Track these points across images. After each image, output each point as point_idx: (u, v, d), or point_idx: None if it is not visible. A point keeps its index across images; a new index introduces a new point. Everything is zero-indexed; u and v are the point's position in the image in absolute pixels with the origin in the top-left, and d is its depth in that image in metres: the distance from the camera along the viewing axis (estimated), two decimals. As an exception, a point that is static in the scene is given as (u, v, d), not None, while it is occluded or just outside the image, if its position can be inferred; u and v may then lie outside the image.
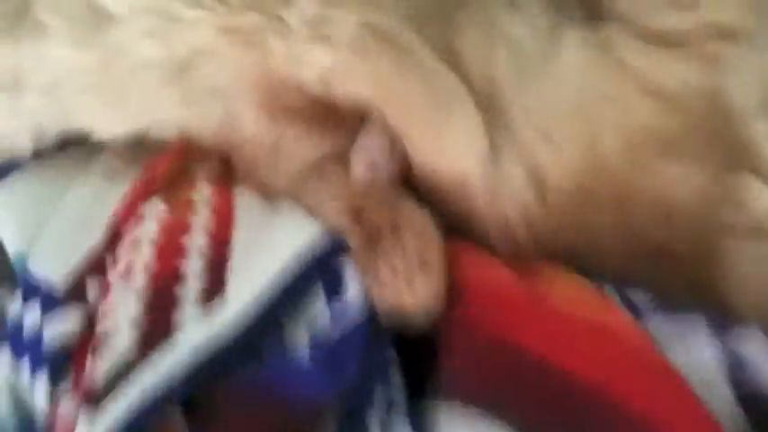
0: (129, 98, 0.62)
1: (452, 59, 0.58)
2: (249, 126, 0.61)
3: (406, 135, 0.57)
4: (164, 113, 0.63)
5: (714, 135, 0.53)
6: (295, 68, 0.58)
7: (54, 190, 0.64)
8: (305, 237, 0.56)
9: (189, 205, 0.62)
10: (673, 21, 0.58)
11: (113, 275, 0.56)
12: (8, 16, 0.61)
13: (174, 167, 0.64)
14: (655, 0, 0.59)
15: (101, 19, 0.60)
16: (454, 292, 0.52)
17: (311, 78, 0.58)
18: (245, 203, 0.62)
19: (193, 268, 0.56)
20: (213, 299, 0.53)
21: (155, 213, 0.60)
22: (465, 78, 0.57)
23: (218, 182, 0.64)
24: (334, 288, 0.54)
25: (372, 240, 0.55)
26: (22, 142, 0.64)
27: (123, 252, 0.57)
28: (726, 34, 0.56)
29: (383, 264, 0.53)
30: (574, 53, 0.58)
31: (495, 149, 0.56)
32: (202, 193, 0.63)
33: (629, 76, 0.57)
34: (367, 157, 0.58)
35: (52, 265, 0.58)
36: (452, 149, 0.57)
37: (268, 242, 0.57)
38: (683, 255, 0.53)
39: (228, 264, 0.56)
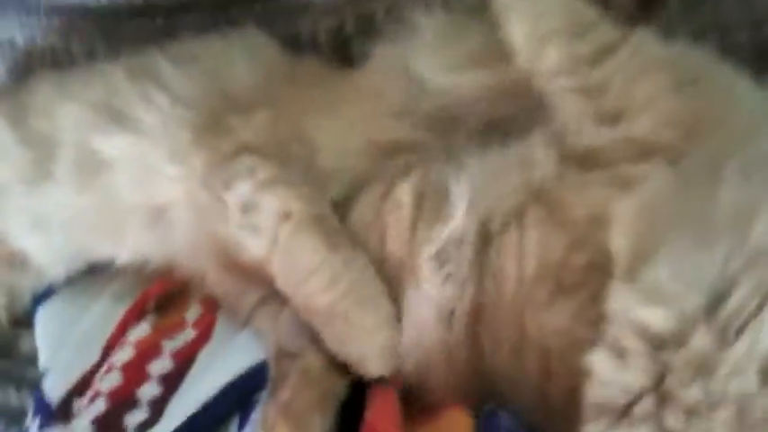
0: (125, 236, 0.71)
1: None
2: (210, 273, 0.68)
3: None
4: (151, 250, 0.71)
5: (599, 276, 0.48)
6: (237, 247, 0.63)
7: (76, 311, 0.74)
8: (237, 370, 0.61)
9: (173, 327, 0.69)
10: (595, 138, 0.54)
11: (83, 401, 0.65)
12: (33, 163, 0.73)
13: (167, 291, 0.72)
14: (583, 115, 0.55)
15: (99, 165, 0.70)
16: None
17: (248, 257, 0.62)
18: (223, 326, 0.69)
19: (148, 395, 0.63)
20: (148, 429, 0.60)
21: (136, 337, 0.68)
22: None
23: (208, 303, 0.71)
24: (243, 422, 0.58)
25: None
26: (56, 271, 0.76)
27: (98, 378, 0.66)
28: (644, 151, 0.51)
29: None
30: None
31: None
32: (193, 313, 0.71)
33: (548, 206, 0.54)
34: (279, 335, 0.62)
35: (55, 385, 0.68)
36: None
37: (213, 369, 0.63)
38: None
39: (179, 387, 0.63)
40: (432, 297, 0.56)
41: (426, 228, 0.57)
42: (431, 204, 0.57)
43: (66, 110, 0.73)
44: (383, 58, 0.69)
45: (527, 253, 0.53)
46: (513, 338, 0.53)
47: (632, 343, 0.41)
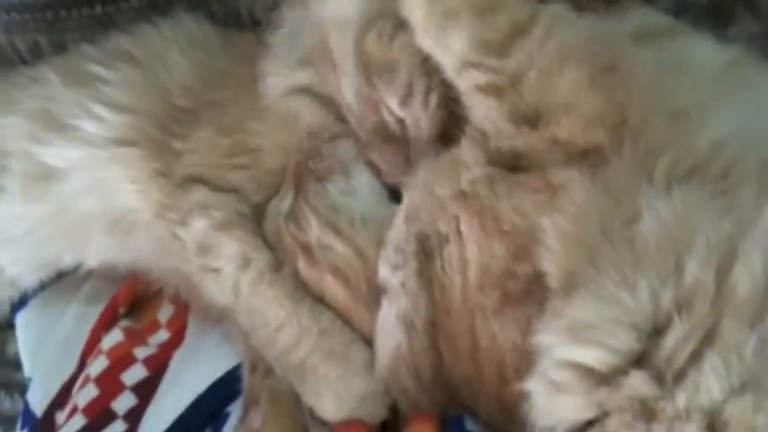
0: (87, 242, 0.70)
1: None
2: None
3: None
4: (116, 255, 0.71)
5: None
6: (198, 287, 0.63)
7: (51, 317, 0.75)
8: (209, 379, 0.63)
9: (146, 330, 0.70)
10: (516, 139, 0.51)
11: (61, 416, 0.66)
12: None
13: (137, 291, 0.73)
14: (499, 116, 0.52)
15: (50, 175, 0.69)
16: None
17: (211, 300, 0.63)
18: (194, 326, 0.69)
19: (124, 407, 0.64)
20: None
21: (109, 346, 0.69)
22: None
23: (179, 300, 0.71)
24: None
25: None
26: (29, 279, 0.76)
27: (75, 391, 0.67)
28: (571, 155, 0.49)
29: None
30: None
31: None
32: (165, 312, 0.71)
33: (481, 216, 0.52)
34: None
35: (37, 397, 0.70)
36: None
37: (186, 378, 0.64)
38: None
39: (154, 396, 0.64)
40: (394, 307, 0.56)
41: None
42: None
43: (8, 121, 0.72)
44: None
45: (470, 263, 0.51)
46: (468, 347, 0.52)
47: (564, 377, 0.40)
